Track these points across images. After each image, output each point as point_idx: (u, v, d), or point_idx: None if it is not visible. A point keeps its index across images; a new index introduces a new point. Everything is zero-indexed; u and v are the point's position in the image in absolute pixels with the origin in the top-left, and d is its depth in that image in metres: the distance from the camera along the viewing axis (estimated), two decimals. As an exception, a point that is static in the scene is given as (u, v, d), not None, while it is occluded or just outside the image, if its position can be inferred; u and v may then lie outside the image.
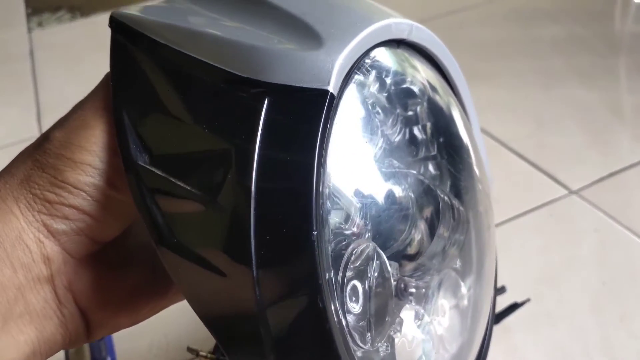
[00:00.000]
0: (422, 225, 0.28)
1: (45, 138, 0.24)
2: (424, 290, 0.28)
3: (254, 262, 0.20)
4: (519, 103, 0.81)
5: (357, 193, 0.25)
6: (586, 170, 0.69)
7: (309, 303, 0.20)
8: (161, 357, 0.50)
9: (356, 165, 0.25)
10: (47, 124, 0.85)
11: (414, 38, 0.28)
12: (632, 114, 0.79)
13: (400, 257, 0.27)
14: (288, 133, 0.21)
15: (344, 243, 0.24)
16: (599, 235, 0.60)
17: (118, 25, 0.25)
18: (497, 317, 0.51)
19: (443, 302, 0.29)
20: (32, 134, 0.83)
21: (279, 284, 0.21)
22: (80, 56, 0.98)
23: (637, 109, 0.80)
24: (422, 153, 0.29)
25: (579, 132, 0.75)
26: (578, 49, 0.92)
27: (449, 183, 0.30)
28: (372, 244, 0.25)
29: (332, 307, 0.21)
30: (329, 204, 0.23)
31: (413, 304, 0.27)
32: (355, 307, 0.24)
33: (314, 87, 0.22)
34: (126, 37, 0.25)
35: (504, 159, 0.72)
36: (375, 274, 0.25)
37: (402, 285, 0.27)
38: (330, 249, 0.23)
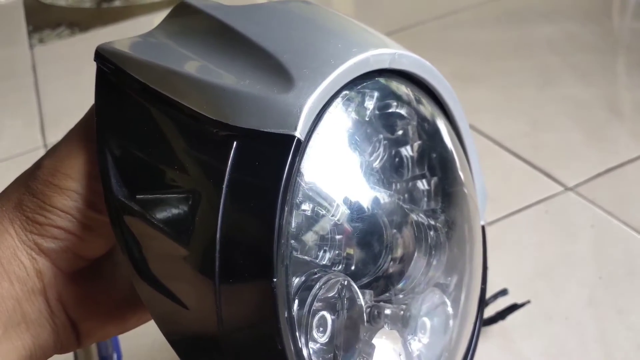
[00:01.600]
0: (398, 251, 0.28)
1: (37, 166, 0.27)
2: (402, 312, 0.28)
3: (217, 301, 0.21)
4: (514, 103, 0.82)
5: (332, 224, 0.25)
6: (582, 166, 0.69)
7: (268, 344, 0.21)
8: (163, 352, 0.51)
9: (332, 196, 0.25)
10: (50, 135, 0.87)
11: (398, 65, 0.27)
12: (628, 110, 0.79)
13: (376, 283, 0.27)
14: (253, 178, 0.22)
15: (315, 276, 0.24)
16: (595, 230, 0.61)
17: (103, 60, 0.26)
18: (496, 317, 0.51)
19: (424, 320, 0.29)
20: (36, 145, 0.85)
21: (241, 324, 0.22)
22: (80, 69, 1.00)
23: (634, 106, 0.80)
24: (410, 173, 0.29)
25: (575, 130, 0.76)
26: (573, 48, 0.92)
27: (439, 200, 0.30)
28: (342, 276, 0.25)
29: (292, 345, 0.22)
30: (293, 243, 0.23)
31: (388, 328, 0.28)
32: (322, 337, 0.24)
33: (281, 132, 0.22)
34: (110, 72, 0.26)
35: (499, 158, 0.72)
36: (346, 305, 0.25)
37: (376, 312, 0.27)
38: (300, 282, 0.24)
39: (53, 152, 0.27)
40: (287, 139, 0.22)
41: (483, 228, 0.33)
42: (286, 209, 0.22)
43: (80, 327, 0.28)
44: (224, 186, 0.21)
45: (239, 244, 0.21)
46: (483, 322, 0.50)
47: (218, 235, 0.21)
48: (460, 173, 0.31)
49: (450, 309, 0.30)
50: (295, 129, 0.22)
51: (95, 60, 0.26)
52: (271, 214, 0.21)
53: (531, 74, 0.87)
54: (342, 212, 0.25)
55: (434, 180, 0.30)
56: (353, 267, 0.26)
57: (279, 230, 0.21)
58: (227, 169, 0.22)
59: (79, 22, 1.18)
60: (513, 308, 0.51)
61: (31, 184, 0.26)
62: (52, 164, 0.26)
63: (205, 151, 0.23)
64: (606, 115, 0.78)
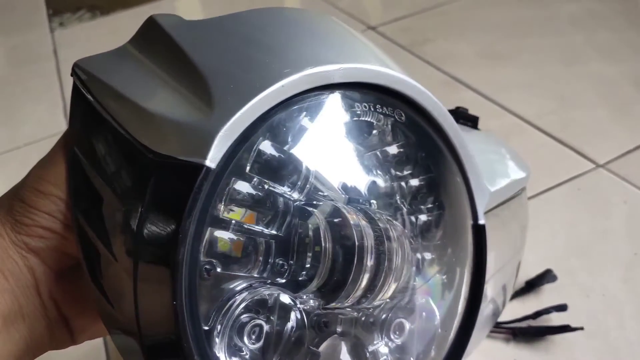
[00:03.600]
0: (347, 259, 0.27)
1: (27, 175, 0.30)
2: (364, 317, 0.28)
3: (136, 310, 0.23)
4: (541, 80, 0.81)
5: (270, 236, 0.26)
6: (612, 143, 0.68)
7: (175, 356, 0.23)
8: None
9: (267, 209, 0.26)
10: (75, 120, 0.87)
11: (347, 79, 0.26)
12: (656, 87, 0.78)
13: (331, 290, 0.27)
14: (164, 202, 0.23)
15: (251, 288, 0.25)
16: (628, 206, 0.60)
17: (76, 75, 0.28)
18: (544, 332, 0.50)
19: (401, 321, 0.29)
20: (60, 129, 0.85)
21: (154, 332, 0.24)
22: (103, 53, 1.00)
23: (661, 82, 0.79)
24: (388, 175, 0.29)
25: (603, 107, 0.75)
26: (597, 25, 0.91)
27: (419, 200, 0.30)
28: (276, 287, 0.26)
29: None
30: (215, 261, 0.24)
31: (338, 335, 0.28)
32: (255, 345, 0.26)
33: (192, 160, 0.23)
34: (82, 87, 0.28)
35: (529, 136, 0.72)
36: (284, 315, 0.26)
37: (323, 320, 0.27)
38: (232, 293, 0.25)
39: (42, 161, 0.29)
40: (197, 168, 0.22)
41: (481, 227, 0.31)
42: (191, 231, 0.23)
43: (73, 324, 0.30)
44: (143, 208, 0.23)
45: (151, 266, 0.23)
46: (530, 332, 0.50)
47: (136, 253, 0.23)
48: (446, 171, 0.30)
49: (435, 312, 0.30)
50: (206, 157, 0.22)
51: (71, 75, 0.28)
52: (173, 241, 0.22)
53: (556, 51, 0.86)
54: (281, 227, 0.26)
55: (413, 181, 0.30)
56: (299, 277, 0.26)
57: (182, 256, 0.22)
58: (147, 193, 0.23)
59: (99, 5, 1.17)
60: (564, 329, 0.49)
61: (20, 191, 0.29)
62: (38, 172, 0.29)
63: (133, 173, 0.25)
64: (632, 91, 0.77)
